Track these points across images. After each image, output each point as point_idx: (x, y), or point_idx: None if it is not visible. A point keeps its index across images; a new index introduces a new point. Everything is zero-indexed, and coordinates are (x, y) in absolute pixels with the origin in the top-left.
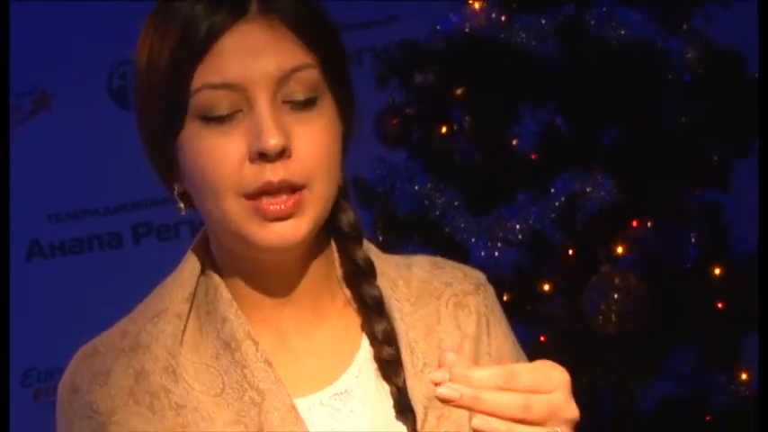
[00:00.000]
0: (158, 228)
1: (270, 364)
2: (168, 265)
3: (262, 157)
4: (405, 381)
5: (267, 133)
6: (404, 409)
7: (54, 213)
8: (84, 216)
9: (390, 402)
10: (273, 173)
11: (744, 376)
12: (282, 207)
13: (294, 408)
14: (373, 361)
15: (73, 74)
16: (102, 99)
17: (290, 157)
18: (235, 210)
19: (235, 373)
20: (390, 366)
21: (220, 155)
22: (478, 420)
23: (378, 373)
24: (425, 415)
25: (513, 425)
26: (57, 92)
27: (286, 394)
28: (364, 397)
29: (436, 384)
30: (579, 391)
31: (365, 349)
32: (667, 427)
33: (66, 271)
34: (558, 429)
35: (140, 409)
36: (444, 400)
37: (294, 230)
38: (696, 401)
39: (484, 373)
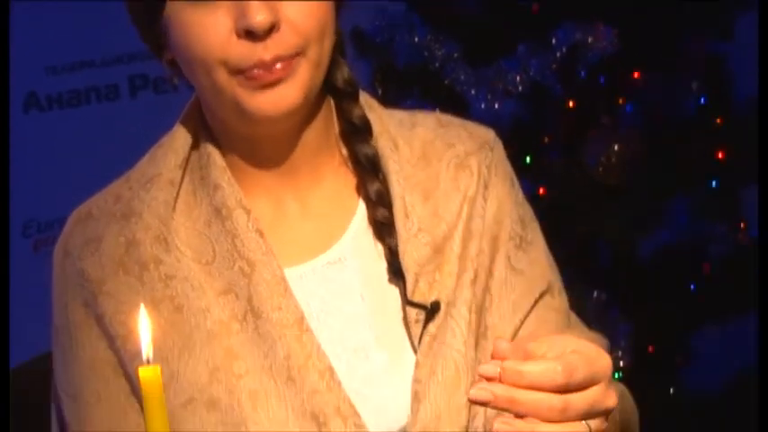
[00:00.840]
0: (155, 80)
1: (261, 234)
2: (165, 118)
3: (249, 34)
4: (397, 244)
5: (253, 9)
6: (396, 273)
7: (51, 65)
8: (81, 68)
9: (384, 266)
10: (265, 50)
11: (742, 225)
12: (272, 71)
13: (283, 279)
14: (369, 224)
15: None
16: None
17: (279, 30)
18: (226, 83)
19: (225, 242)
20: (384, 228)
21: (206, 31)
22: (500, 426)
23: (374, 236)
24: (416, 281)
25: (535, 424)
26: None
27: (276, 265)
28: (358, 264)
29: (486, 378)
30: (578, 243)
31: (362, 212)
32: (666, 276)
33: (64, 123)
34: (584, 422)
35: (129, 280)
36: (477, 402)
37: (288, 96)
38: (695, 250)
39: (538, 368)
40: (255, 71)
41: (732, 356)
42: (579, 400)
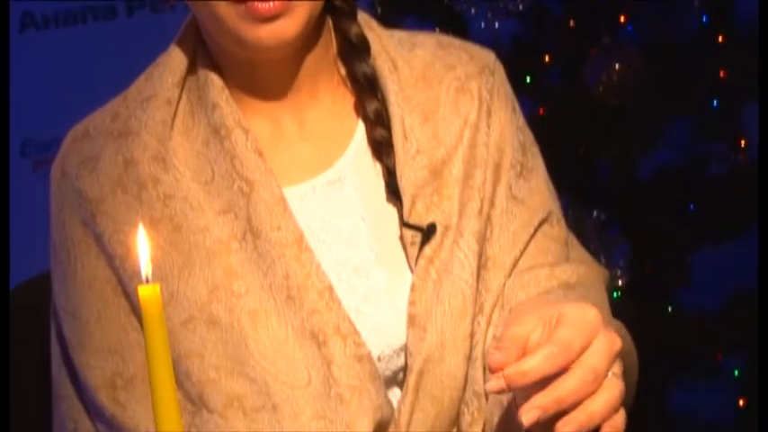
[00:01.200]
0: (152, 0)
1: (260, 154)
2: (163, 38)
3: None
4: (395, 164)
5: None
6: (393, 193)
7: None
8: None
9: (383, 187)
10: None
11: (743, 145)
12: (272, 5)
13: (283, 199)
14: (369, 144)
15: None
16: None
17: None
18: (225, 13)
19: (224, 162)
20: (382, 149)
21: None
22: (565, 428)
23: (373, 157)
24: (413, 203)
25: (586, 405)
26: None
27: (275, 185)
28: (358, 184)
29: (496, 392)
30: (578, 163)
31: (361, 132)
32: (665, 196)
33: (61, 43)
34: (609, 376)
35: (128, 199)
36: (534, 421)
37: (287, 29)
38: (695, 170)
39: (537, 360)
40: (256, 4)
41: (730, 275)
42: (599, 360)
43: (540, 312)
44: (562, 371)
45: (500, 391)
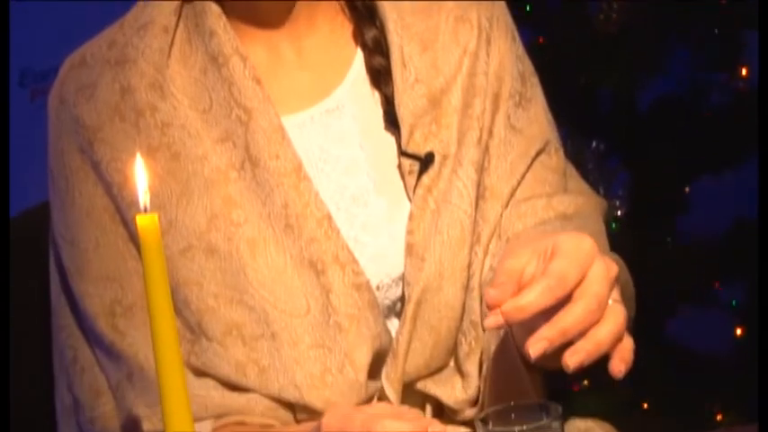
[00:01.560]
0: None
1: (258, 82)
2: None
3: None
4: (393, 93)
5: None
6: (392, 122)
7: None
8: None
9: (382, 115)
10: None
11: (743, 72)
12: None
13: (281, 127)
14: (367, 73)
15: None
16: None
17: None
18: None
19: (222, 90)
20: (380, 77)
21: None
22: (572, 359)
23: (371, 85)
24: (411, 132)
25: (593, 334)
26: None
27: (274, 113)
28: (356, 112)
29: (495, 327)
30: (578, 93)
31: (359, 60)
32: (665, 125)
33: None
34: (610, 302)
35: (125, 126)
36: (541, 356)
37: None
38: (695, 99)
39: (534, 295)
40: None
41: (730, 205)
42: (599, 286)
43: (535, 245)
44: (561, 302)
45: (498, 327)
